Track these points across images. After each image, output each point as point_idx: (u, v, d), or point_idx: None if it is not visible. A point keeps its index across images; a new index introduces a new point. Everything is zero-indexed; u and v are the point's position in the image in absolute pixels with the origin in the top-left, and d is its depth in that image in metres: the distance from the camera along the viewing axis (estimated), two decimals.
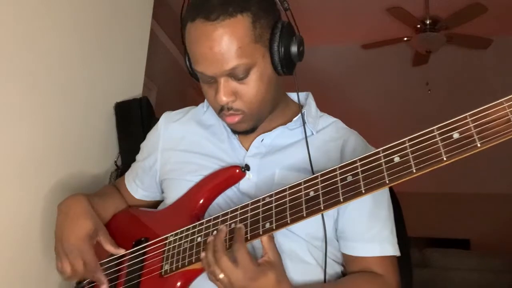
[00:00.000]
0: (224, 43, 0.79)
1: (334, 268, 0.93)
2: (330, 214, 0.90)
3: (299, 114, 0.94)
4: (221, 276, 0.74)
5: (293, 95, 1.01)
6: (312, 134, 0.95)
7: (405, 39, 3.89)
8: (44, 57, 1.19)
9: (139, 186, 1.11)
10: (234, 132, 0.94)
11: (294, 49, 0.85)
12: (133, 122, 1.47)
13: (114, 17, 1.49)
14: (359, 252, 0.90)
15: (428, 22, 3.71)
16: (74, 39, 1.30)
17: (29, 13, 1.13)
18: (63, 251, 0.94)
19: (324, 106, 1.02)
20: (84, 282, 1.00)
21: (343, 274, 0.95)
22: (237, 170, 0.91)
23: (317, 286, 0.89)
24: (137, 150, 1.15)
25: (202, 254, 0.79)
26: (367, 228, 0.90)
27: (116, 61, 1.50)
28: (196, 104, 1.10)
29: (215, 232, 0.81)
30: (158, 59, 3.30)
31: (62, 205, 0.99)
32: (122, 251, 0.97)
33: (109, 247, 0.96)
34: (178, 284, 0.85)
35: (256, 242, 0.81)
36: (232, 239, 0.77)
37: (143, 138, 1.14)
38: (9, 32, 1.07)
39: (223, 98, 0.83)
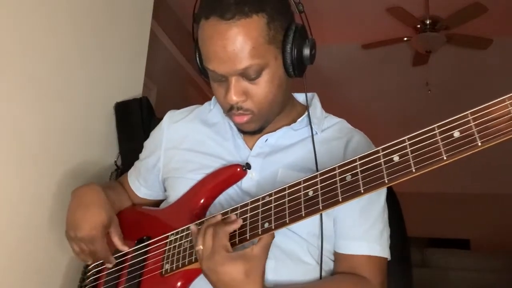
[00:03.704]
0: (238, 43, 0.78)
1: (330, 266, 0.93)
2: (329, 212, 0.89)
3: (304, 115, 0.94)
4: (199, 248, 0.76)
5: (297, 96, 1.02)
6: (317, 134, 0.95)
7: (405, 39, 3.89)
8: (44, 57, 1.19)
9: (142, 184, 1.11)
10: (241, 132, 0.94)
11: (306, 52, 0.86)
12: (133, 122, 1.47)
13: (114, 17, 1.49)
14: (346, 249, 0.90)
15: (428, 22, 3.71)
16: (74, 39, 1.30)
17: (29, 13, 1.13)
18: (76, 238, 0.95)
19: (323, 105, 1.02)
20: (91, 266, 1.01)
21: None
22: (238, 169, 0.91)
23: (296, 286, 0.87)
24: (137, 150, 1.15)
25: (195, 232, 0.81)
26: (356, 226, 0.89)
27: (116, 61, 1.50)
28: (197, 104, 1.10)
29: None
30: (158, 59, 3.30)
31: (76, 191, 1.00)
32: (126, 248, 0.97)
33: (117, 241, 0.97)
34: (178, 284, 0.85)
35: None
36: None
37: (143, 138, 1.14)
38: (8, 32, 1.07)
39: (234, 98, 0.83)
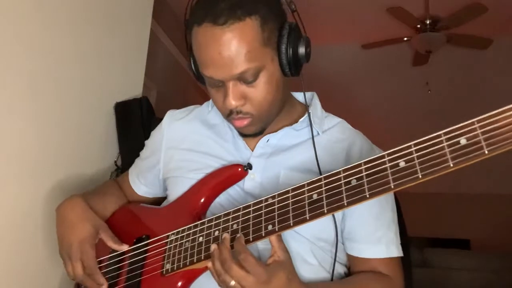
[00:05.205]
0: (233, 48, 0.78)
1: (337, 269, 0.93)
2: (339, 220, 0.90)
3: (305, 115, 0.94)
4: (233, 283, 0.74)
5: (297, 95, 1.01)
6: (318, 134, 0.95)
7: (405, 39, 3.89)
8: (44, 57, 1.19)
9: (142, 183, 1.11)
10: (242, 135, 0.93)
11: (301, 50, 0.85)
12: (133, 122, 1.47)
13: (114, 17, 1.49)
14: (366, 253, 0.91)
15: (428, 22, 3.71)
16: (74, 39, 1.30)
17: (29, 14, 1.13)
18: (67, 254, 0.94)
19: (323, 105, 1.02)
20: (83, 287, 1.00)
21: (346, 275, 0.95)
22: (239, 169, 0.91)
23: (328, 283, 0.89)
24: (137, 150, 1.15)
25: (209, 264, 0.79)
26: (374, 230, 0.91)
27: (116, 61, 1.50)
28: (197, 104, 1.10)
29: (216, 232, 0.81)
30: (158, 59, 3.30)
31: (59, 209, 1.00)
32: (125, 247, 0.96)
33: (112, 244, 0.96)
34: (179, 283, 0.85)
35: (261, 244, 0.82)
36: (234, 240, 0.77)
37: (143, 138, 1.14)
38: (8, 32, 1.07)
39: (232, 102, 0.82)
